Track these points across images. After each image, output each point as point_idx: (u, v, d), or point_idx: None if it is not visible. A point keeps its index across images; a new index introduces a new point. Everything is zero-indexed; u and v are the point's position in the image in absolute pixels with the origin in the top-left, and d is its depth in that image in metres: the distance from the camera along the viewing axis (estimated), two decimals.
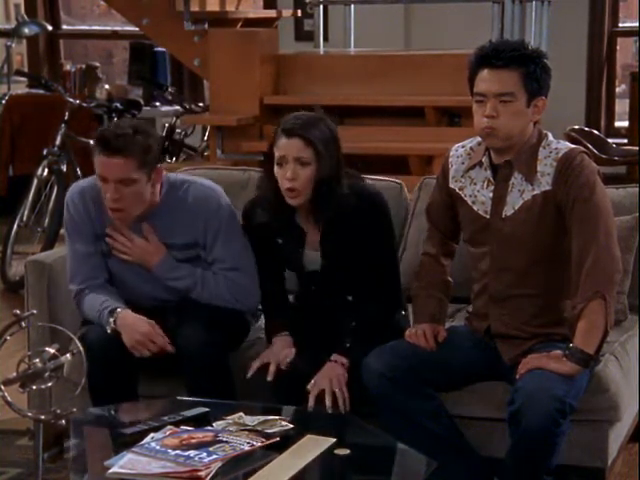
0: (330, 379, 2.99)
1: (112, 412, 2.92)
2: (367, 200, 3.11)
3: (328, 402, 2.96)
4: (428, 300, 3.10)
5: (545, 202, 2.91)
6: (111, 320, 3.14)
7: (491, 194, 2.98)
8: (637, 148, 6.04)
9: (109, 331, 3.13)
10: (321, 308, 3.21)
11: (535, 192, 2.92)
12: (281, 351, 3.12)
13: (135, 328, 3.11)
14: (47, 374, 2.37)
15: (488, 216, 2.99)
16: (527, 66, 2.87)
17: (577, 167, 2.88)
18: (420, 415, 2.93)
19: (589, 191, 2.87)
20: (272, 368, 3.06)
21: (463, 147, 3.09)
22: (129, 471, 2.40)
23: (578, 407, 2.80)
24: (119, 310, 3.15)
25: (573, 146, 2.97)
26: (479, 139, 3.03)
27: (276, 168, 3.04)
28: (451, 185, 3.07)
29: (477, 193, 3.01)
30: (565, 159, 2.90)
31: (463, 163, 3.06)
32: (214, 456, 2.43)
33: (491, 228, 2.98)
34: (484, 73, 2.89)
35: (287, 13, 6.70)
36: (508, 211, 2.96)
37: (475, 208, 3.01)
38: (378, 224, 3.12)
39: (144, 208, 3.17)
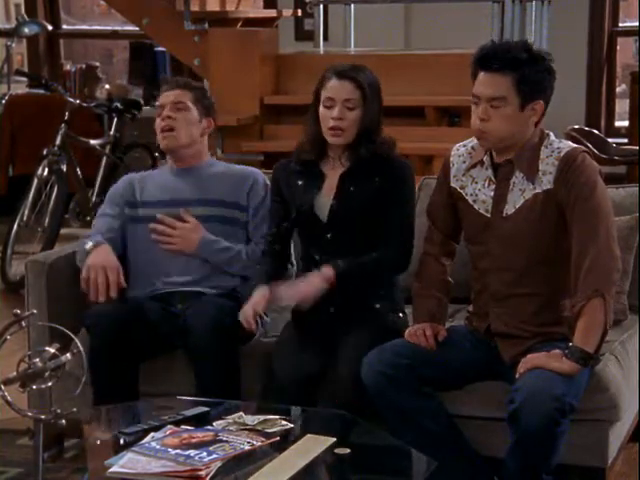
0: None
1: (112, 411, 2.92)
2: (395, 166, 3.18)
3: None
4: (428, 300, 3.10)
5: (546, 201, 2.91)
6: (90, 244, 3.36)
7: (492, 193, 2.99)
8: (637, 148, 6.04)
9: (86, 248, 3.36)
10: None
11: (536, 191, 2.92)
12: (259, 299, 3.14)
13: (101, 255, 3.30)
14: (47, 374, 2.36)
15: (489, 215, 2.99)
16: (521, 71, 2.85)
17: (579, 166, 2.89)
18: (420, 414, 2.93)
19: (590, 190, 2.87)
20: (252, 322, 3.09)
21: (464, 146, 3.09)
22: (129, 470, 2.39)
23: (578, 406, 2.81)
24: (102, 243, 3.36)
25: (575, 145, 2.98)
26: None
27: (322, 109, 3.14)
28: (452, 184, 3.08)
29: (478, 192, 3.01)
30: (567, 158, 2.90)
31: (464, 162, 3.06)
32: (214, 455, 2.43)
33: (492, 227, 2.99)
34: (481, 75, 2.90)
35: (287, 13, 6.70)
36: (509, 210, 2.96)
37: (476, 207, 3.01)
38: (399, 193, 3.15)
39: (190, 142, 3.49)
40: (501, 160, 2.98)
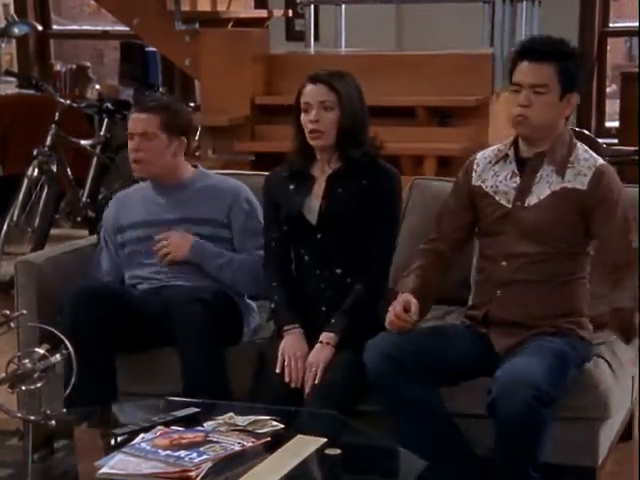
0: (312, 362, 3.04)
1: (102, 412, 2.92)
2: (382, 172, 3.21)
3: (307, 389, 3.01)
4: (414, 278, 3.08)
5: (573, 198, 2.99)
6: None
7: (514, 184, 3.05)
8: (628, 148, 6.04)
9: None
10: (311, 283, 3.20)
11: (565, 185, 2.99)
12: (296, 347, 3.10)
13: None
14: (36, 375, 2.36)
15: (510, 205, 3.05)
16: (563, 61, 2.98)
17: (613, 184, 3.03)
18: (419, 402, 2.93)
19: (616, 204, 3.02)
20: (294, 376, 3.05)
21: (490, 149, 3.17)
22: (119, 471, 2.40)
23: (556, 396, 2.80)
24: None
25: (604, 161, 3.11)
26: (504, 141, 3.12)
27: (303, 115, 3.19)
28: (475, 182, 3.11)
29: (499, 184, 3.08)
30: (604, 172, 3.04)
31: (490, 162, 3.12)
32: (205, 456, 2.43)
33: (510, 216, 3.04)
34: (523, 65, 3.00)
35: (278, 13, 6.69)
36: (532, 200, 3.02)
37: (497, 198, 3.07)
38: (386, 198, 3.18)
39: (162, 169, 3.46)
40: (529, 154, 3.04)
